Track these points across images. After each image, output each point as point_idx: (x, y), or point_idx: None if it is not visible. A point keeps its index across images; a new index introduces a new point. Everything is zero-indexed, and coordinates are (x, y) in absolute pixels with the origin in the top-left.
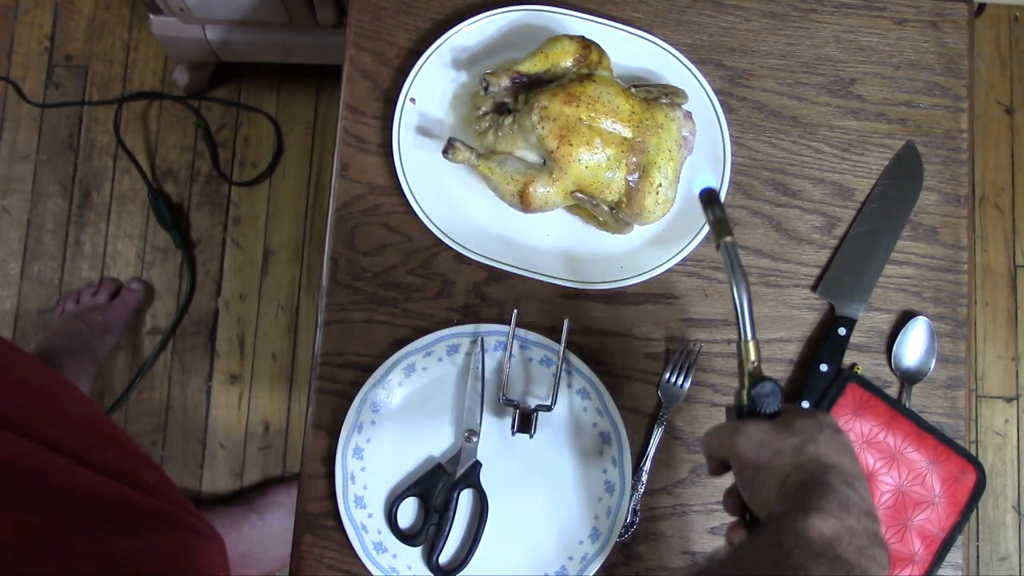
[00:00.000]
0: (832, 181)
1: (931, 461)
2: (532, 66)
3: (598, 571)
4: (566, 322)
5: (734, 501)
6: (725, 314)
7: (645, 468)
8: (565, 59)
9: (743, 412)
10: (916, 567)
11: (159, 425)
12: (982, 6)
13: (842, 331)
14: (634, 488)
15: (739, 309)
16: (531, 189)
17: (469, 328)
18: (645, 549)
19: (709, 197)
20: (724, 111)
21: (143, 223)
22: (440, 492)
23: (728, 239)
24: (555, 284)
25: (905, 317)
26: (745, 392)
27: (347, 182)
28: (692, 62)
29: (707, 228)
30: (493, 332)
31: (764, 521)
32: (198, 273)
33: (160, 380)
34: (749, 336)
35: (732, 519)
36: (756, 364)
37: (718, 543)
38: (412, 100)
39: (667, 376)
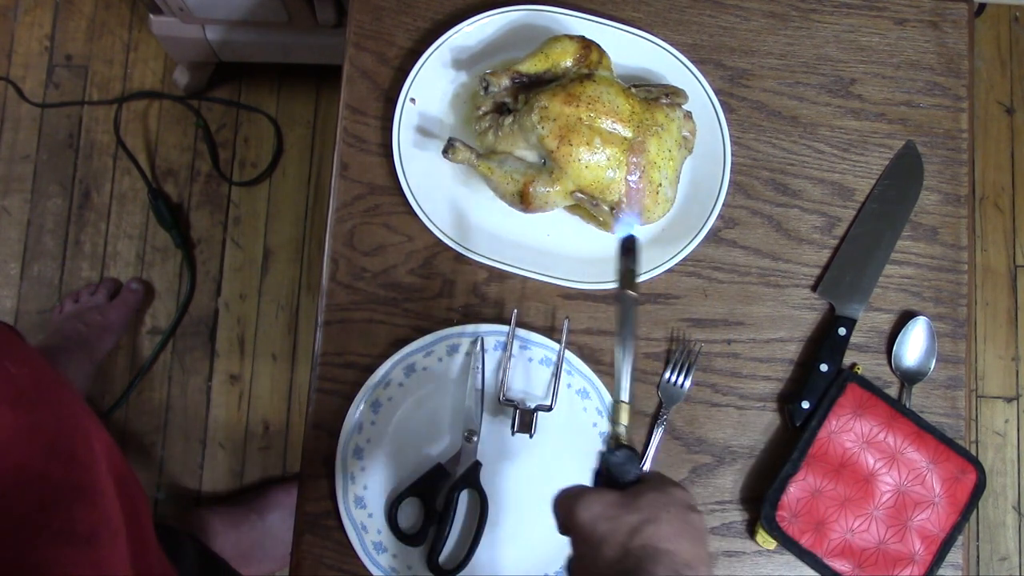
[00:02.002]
0: (832, 181)
1: (931, 461)
2: (532, 66)
3: None
4: (566, 322)
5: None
6: (725, 314)
7: (645, 468)
8: (565, 59)
9: (600, 477)
10: (916, 567)
11: (159, 425)
12: (982, 6)
13: (842, 331)
14: None
15: (618, 368)
16: (531, 189)
17: (469, 328)
18: None
19: (627, 246)
20: (724, 111)
21: (143, 223)
22: (440, 492)
23: (631, 293)
24: (555, 284)
25: (905, 317)
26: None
27: (347, 182)
28: (692, 62)
29: (707, 228)
30: (493, 332)
31: None
32: (198, 273)
33: (160, 380)
34: (623, 398)
35: None
36: (624, 428)
37: (718, 543)
38: (412, 100)
39: (667, 376)
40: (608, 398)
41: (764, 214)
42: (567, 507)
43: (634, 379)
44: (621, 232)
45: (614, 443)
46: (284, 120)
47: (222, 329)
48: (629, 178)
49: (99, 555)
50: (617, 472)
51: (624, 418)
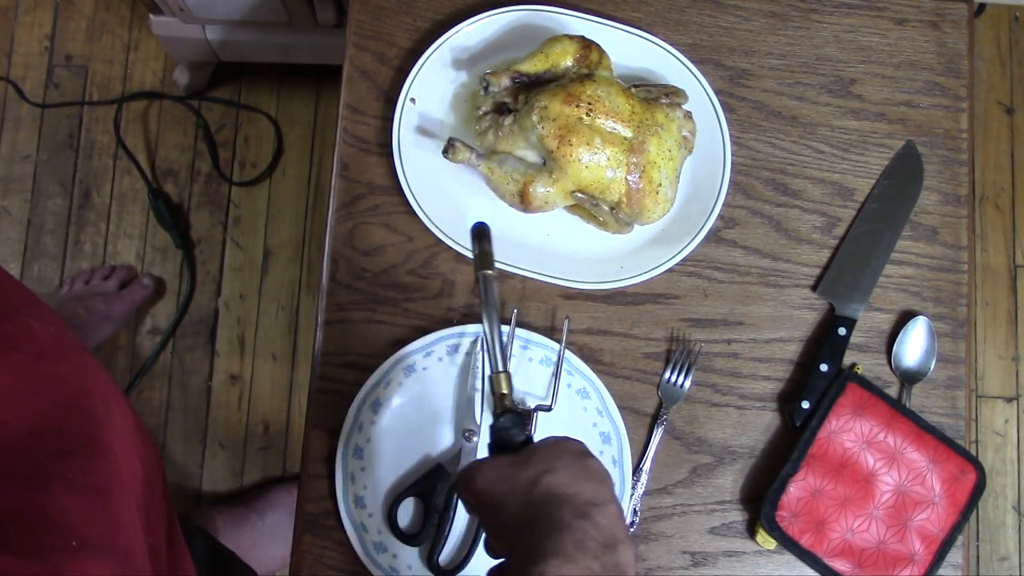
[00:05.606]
0: (832, 181)
1: (931, 461)
2: (532, 66)
3: None
4: (566, 322)
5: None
6: (725, 314)
7: (645, 468)
8: (565, 59)
9: (493, 448)
10: (916, 567)
11: (159, 425)
12: (982, 6)
13: (842, 331)
14: (634, 488)
15: (491, 341)
16: (531, 189)
17: (469, 328)
18: (645, 549)
19: (479, 232)
20: (724, 111)
21: (143, 223)
22: (440, 492)
23: (488, 272)
24: (555, 284)
25: (905, 317)
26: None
27: (347, 182)
28: (692, 62)
29: (707, 228)
30: None
31: (504, 569)
32: (198, 273)
33: (160, 380)
34: (500, 368)
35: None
36: (507, 396)
37: (718, 543)
38: (412, 100)
39: (667, 376)
40: (609, 398)
41: (764, 214)
42: (465, 483)
43: (505, 348)
44: (475, 219)
45: (500, 410)
46: (284, 120)
47: (222, 329)
48: (629, 178)
49: (110, 509)
50: (506, 436)
51: (504, 386)
